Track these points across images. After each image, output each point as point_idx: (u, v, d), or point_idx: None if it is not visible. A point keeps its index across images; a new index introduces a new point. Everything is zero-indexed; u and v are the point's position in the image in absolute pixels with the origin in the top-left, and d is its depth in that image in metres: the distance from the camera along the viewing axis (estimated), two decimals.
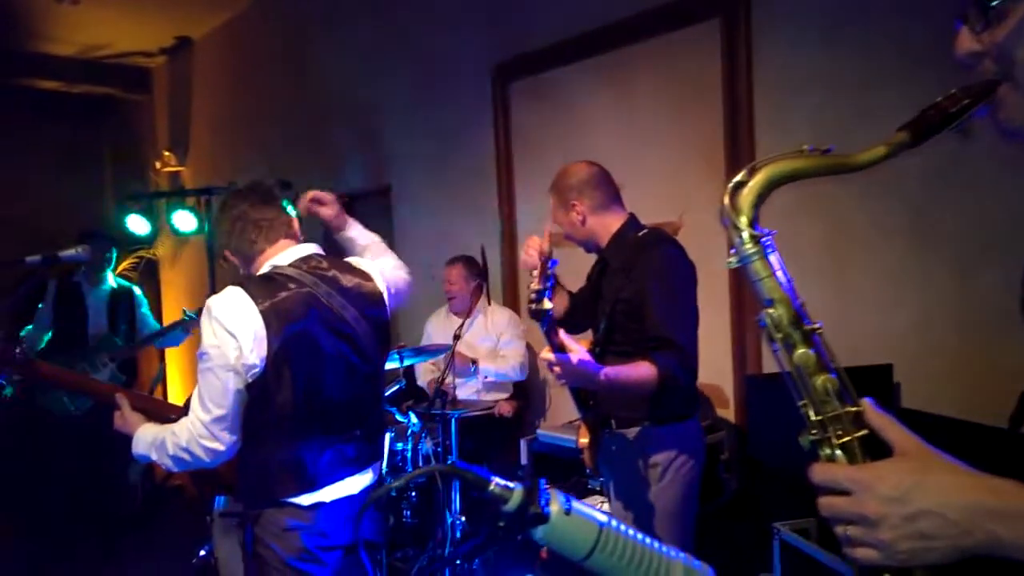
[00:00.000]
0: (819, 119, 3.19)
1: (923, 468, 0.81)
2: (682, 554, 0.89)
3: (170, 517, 5.68)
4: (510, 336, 4.32)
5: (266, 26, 6.63)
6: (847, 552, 0.83)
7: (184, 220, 5.98)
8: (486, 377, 4.23)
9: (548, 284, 2.06)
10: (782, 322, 0.91)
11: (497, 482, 0.89)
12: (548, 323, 2.04)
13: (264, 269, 2.18)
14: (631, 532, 0.89)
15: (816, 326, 0.92)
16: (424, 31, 5.12)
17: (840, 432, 0.89)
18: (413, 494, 3.88)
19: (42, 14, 6.37)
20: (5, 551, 4.91)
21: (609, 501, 2.66)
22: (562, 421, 4.16)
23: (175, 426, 2.05)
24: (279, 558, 2.09)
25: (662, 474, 2.41)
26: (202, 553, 4.25)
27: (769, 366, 3.38)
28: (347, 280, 2.23)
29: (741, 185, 0.94)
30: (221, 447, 2.02)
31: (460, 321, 3.89)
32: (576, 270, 2.81)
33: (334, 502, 2.15)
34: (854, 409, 0.89)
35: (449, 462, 3.49)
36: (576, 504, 0.89)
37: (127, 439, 2.17)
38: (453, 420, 3.71)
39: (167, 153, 7.62)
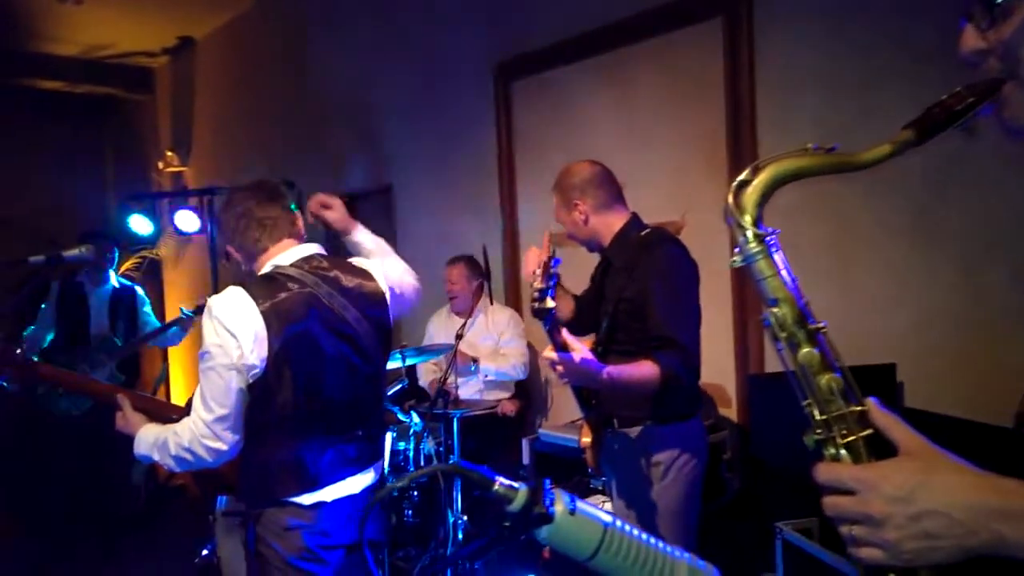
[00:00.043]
0: (821, 118, 3.18)
1: (928, 468, 0.81)
2: (687, 554, 0.89)
3: (173, 516, 5.68)
4: (511, 335, 4.32)
5: (268, 26, 6.63)
6: (852, 552, 0.83)
7: (187, 220, 5.99)
8: (486, 376, 4.23)
9: (551, 283, 2.06)
10: (786, 321, 0.91)
11: (501, 482, 0.89)
12: (551, 322, 2.04)
13: (266, 269, 2.18)
14: (636, 532, 0.89)
15: (820, 325, 0.91)
16: (425, 31, 5.12)
17: (845, 431, 0.88)
18: (415, 493, 3.88)
19: (44, 14, 6.37)
20: (7, 551, 4.92)
21: (611, 500, 2.65)
22: (564, 421, 4.16)
23: (177, 426, 2.05)
24: (281, 557, 2.08)
25: (664, 473, 2.40)
26: (205, 552, 4.26)
27: (771, 365, 3.38)
28: (349, 280, 2.23)
29: (745, 184, 0.94)
30: (224, 447, 2.02)
31: (461, 321, 3.90)
32: (578, 270, 2.81)
33: (335, 501, 2.15)
34: (859, 408, 0.88)
35: (451, 462, 3.49)
36: (580, 504, 0.88)
37: (129, 439, 2.16)
38: (455, 420, 3.71)
39: (170, 153, 7.63)
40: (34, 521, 5.01)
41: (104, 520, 5.04)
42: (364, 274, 2.31)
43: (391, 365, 2.90)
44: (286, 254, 2.21)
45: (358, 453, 2.22)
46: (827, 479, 0.85)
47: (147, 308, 5.14)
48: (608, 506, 2.75)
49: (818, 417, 0.90)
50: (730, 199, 0.94)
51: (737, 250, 0.95)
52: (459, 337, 3.63)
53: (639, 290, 2.34)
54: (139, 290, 5.19)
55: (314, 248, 2.28)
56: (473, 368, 4.15)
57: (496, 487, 0.89)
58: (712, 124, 3.57)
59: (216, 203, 5.69)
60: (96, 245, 4.16)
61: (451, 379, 3.70)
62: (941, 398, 2.78)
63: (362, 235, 2.57)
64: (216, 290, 2.12)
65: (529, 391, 4.54)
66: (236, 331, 1.97)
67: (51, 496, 5.11)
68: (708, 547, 2.63)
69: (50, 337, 4.81)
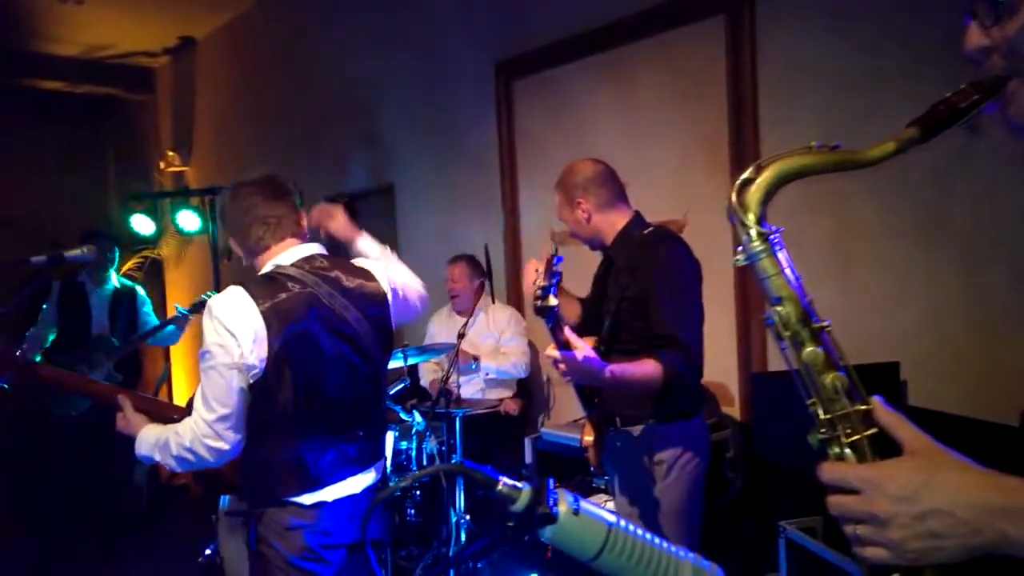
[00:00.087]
0: (824, 116, 3.18)
1: (933, 467, 0.80)
2: (691, 554, 0.88)
3: (175, 516, 5.69)
4: (511, 333, 4.32)
5: (269, 25, 6.63)
6: (856, 551, 0.83)
7: (188, 220, 5.99)
8: (487, 374, 4.23)
9: (554, 280, 2.05)
10: (790, 320, 0.91)
11: (505, 482, 0.89)
12: (553, 320, 2.03)
13: (267, 268, 2.18)
14: (640, 532, 0.88)
15: (824, 324, 0.91)
16: (427, 30, 5.12)
17: (849, 430, 0.88)
18: (417, 492, 3.88)
19: (45, 14, 6.37)
20: (9, 551, 4.92)
21: (614, 499, 2.65)
22: (566, 419, 4.16)
23: (178, 426, 2.04)
24: (282, 557, 2.08)
25: (667, 471, 2.40)
26: (208, 552, 4.26)
27: (774, 364, 3.37)
28: (349, 281, 2.23)
29: (748, 182, 0.93)
30: (226, 446, 2.01)
31: (462, 320, 3.90)
32: (580, 270, 2.81)
33: (336, 501, 2.15)
34: (863, 407, 0.88)
35: (455, 461, 3.49)
36: (584, 504, 0.88)
37: (130, 440, 2.16)
38: (457, 419, 3.71)
39: (171, 153, 7.64)
40: (35, 521, 5.01)
41: (107, 520, 5.05)
42: (365, 274, 2.30)
43: (393, 364, 2.90)
44: (287, 253, 2.20)
45: (359, 453, 2.22)
46: (831, 478, 0.84)
47: (148, 308, 5.14)
48: (611, 505, 2.75)
49: (822, 416, 0.90)
50: (733, 197, 0.94)
51: (740, 248, 0.94)
52: (461, 336, 3.63)
53: (642, 288, 2.34)
54: (140, 290, 5.19)
55: (315, 248, 2.27)
56: (474, 366, 4.15)
57: (500, 487, 0.89)
58: (714, 122, 3.57)
59: (218, 203, 5.70)
60: (97, 245, 4.16)
61: (453, 378, 3.70)
62: (945, 396, 2.78)
63: (366, 243, 2.56)
64: (218, 290, 2.12)
65: (531, 390, 4.54)
66: (236, 331, 1.96)
67: (52, 496, 5.11)
68: (711, 546, 2.62)
69: (52, 337, 4.81)
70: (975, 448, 0.85)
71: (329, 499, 2.13)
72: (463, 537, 3.60)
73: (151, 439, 2.10)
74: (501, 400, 4.27)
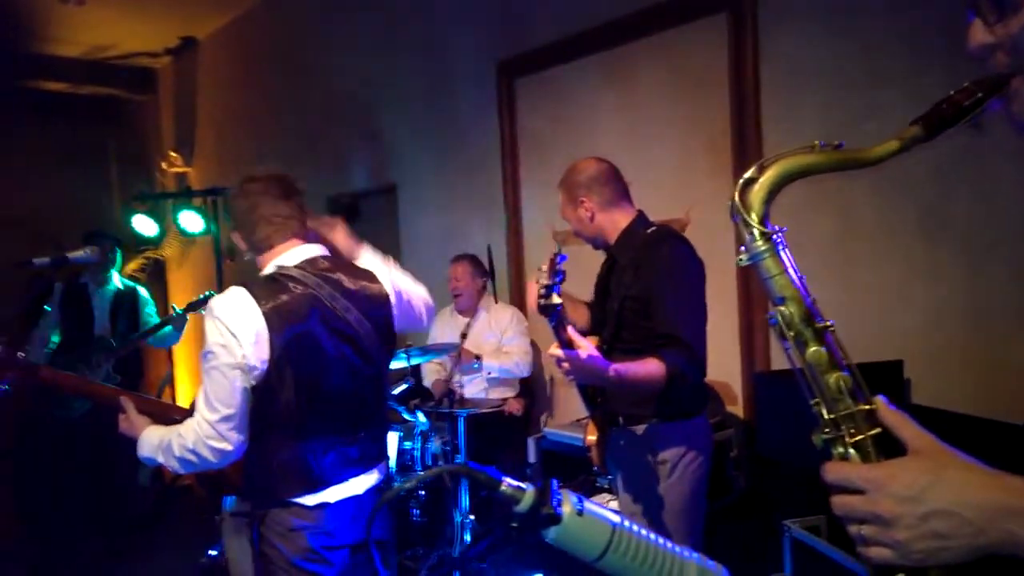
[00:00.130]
0: (826, 115, 3.17)
1: (937, 467, 0.80)
2: (696, 554, 0.88)
3: (180, 517, 5.69)
4: (513, 332, 4.32)
5: (271, 25, 6.63)
6: (861, 551, 0.83)
7: (191, 221, 5.98)
8: (489, 373, 4.23)
9: (557, 279, 2.05)
10: (794, 320, 0.91)
11: (509, 483, 0.88)
12: (557, 318, 2.03)
13: (269, 268, 2.18)
14: (644, 532, 0.88)
15: (828, 324, 0.91)
16: (429, 29, 5.12)
17: (853, 430, 0.88)
18: (422, 492, 3.88)
19: (47, 15, 6.37)
20: (10, 552, 4.93)
21: (617, 498, 2.65)
22: (569, 419, 4.15)
23: (181, 427, 2.03)
24: (285, 558, 2.08)
25: (670, 471, 2.40)
26: (212, 553, 4.26)
27: (777, 363, 3.37)
28: (352, 282, 2.23)
29: (751, 181, 0.93)
30: (229, 447, 2.00)
31: (465, 320, 3.90)
32: (582, 270, 2.80)
33: (339, 502, 2.14)
34: (867, 407, 0.88)
35: (459, 461, 3.49)
36: (588, 504, 0.88)
37: (133, 442, 2.16)
38: (461, 419, 3.71)
39: (173, 154, 7.64)
40: (39, 523, 5.01)
41: (111, 521, 5.05)
42: (368, 276, 2.30)
43: (396, 365, 2.90)
44: (291, 253, 2.20)
45: (361, 454, 2.22)
46: (835, 478, 0.84)
47: (150, 309, 5.13)
48: (614, 504, 2.75)
49: (826, 416, 0.89)
50: (736, 197, 0.93)
51: (743, 248, 0.94)
52: (463, 337, 3.63)
53: (645, 288, 2.34)
54: (142, 291, 5.18)
55: (318, 249, 2.27)
56: (476, 365, 4.15)
57: (503, 488, 0.89)
58: (716, 121, 3.56)
59: (220, 204, 5.71)
60: (99, 246, 4.16)
61: (456, 378, 3.70)
62: (949, 395, 2.77)
63: (367, 257, 2.54)
64: (221, 291, 2.12)
65: (534, 390, 4.54)
66: (238, 331, 1.96)
67: (56, 498, 5.11)
68: (715, 546, 2.62)
69: (55, 338, 4.82)
70: (980, 447, 0.85)
71: (332, 500, 2.13)
72: (467, 537, 3.61)
73: (154, 440, 2.10)
74: (504, 400, 4.26)
